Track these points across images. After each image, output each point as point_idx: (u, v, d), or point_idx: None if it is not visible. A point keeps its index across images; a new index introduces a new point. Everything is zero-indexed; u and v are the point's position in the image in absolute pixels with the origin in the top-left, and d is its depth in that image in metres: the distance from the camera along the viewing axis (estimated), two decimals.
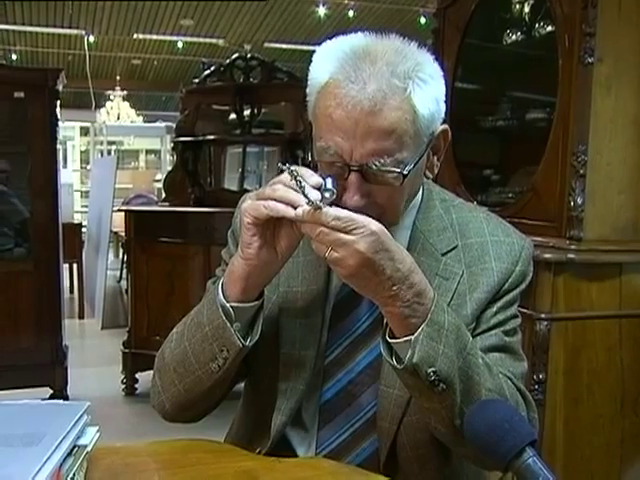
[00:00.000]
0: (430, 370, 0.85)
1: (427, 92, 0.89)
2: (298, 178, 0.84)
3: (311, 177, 0.86)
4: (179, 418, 1.06)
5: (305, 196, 0.83)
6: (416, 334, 0.85)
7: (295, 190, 0.85)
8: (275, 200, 0.86)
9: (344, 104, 0.86)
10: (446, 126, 0.97)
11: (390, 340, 0.88)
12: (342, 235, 0.82)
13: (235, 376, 1.03)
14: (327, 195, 0.85)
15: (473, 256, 1.02)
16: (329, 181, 0.87)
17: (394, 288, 0.84)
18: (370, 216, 0.84)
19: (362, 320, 1.02)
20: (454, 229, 1.04)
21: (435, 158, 1.00)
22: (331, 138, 0.88)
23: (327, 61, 0.91)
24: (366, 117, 0.86)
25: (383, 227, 0.84)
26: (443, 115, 0.94)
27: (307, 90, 0.95)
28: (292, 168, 0.85)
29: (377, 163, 0.88)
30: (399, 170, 0.88)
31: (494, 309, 1.00)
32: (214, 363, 0.95)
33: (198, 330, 0.96)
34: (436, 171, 1.01)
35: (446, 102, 0.94)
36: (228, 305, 0.93)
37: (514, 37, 2.49)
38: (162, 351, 1.04)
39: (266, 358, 1.03)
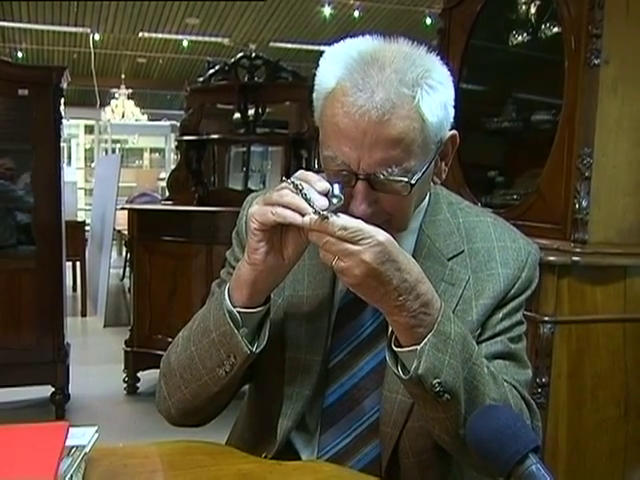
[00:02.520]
0: (435, 381, 0.84)
1: (435, 99, 0.87)
2: (304, 192, 0.83)
3: (318, 183, 0.85)
4: (185, 423, 1.05)
5: (311, 206, 0.82)
6: (422, 344, 0.84)
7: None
8: (282, 206, 0.85)
9: (352, 113, 0.84)
10: (455, 132, 0.95)
11: (396, 349, 0.87)
12: (348, 245, 0.81)
13: (241, 380, 1.02)
14: (335, 201, 0.84)
15: (479, 261, 1.01)
16: (337, 187, 0.85)
17: (400, 298, 0.83)
18: (377, 224, 0.84)
19: (366, 325, 1.01)
20: (461, 233, 1.03)
21: (443, 163, 0.98)
22: (338, 147, 0.87)
23: (334, 66, 0.89)
24: (374, 127, 0.84)
25: (391, 237, 0.83)
26: (452, 120, 0.92)
27: (314, 95, 0.93)
28: (296, 181, 0.84)
29: (385, 172, 0.86)
30: (407, 179, 0.87)
31: (500, 315, 1.00)
32: (221, 369, 0.94)
33: (204, 336, 0.95)
34: (444, 176, 1.00)
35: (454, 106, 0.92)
36: (235, 311, 0.92)
37: (520, 38, 2.48)
38: (168, 356, 1.03)
39: (271, 362, 1.02)
